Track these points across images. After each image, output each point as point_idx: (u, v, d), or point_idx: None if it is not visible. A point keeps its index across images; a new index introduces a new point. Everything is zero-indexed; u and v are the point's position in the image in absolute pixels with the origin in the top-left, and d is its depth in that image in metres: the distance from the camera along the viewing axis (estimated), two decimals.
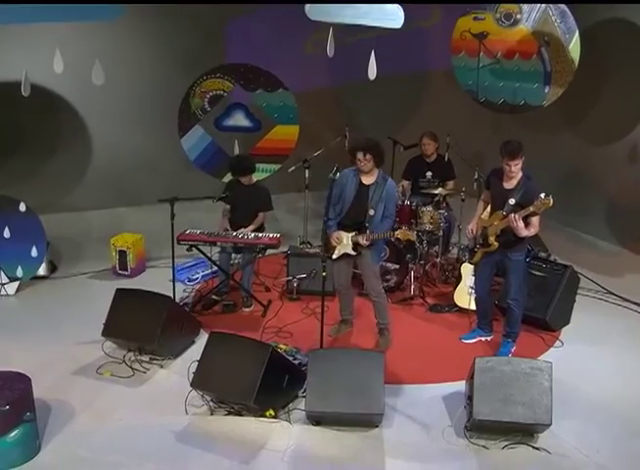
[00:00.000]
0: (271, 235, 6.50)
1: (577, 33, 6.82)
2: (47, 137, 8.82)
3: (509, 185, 5.61)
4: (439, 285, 7.32)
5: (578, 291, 7.00)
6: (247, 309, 6.65)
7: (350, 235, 5.73)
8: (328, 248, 5.84)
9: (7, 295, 6.85)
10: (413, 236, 5.85)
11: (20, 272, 6.86)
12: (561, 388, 5.27)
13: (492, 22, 7.25)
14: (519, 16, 7.07)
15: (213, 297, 6.72)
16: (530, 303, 6.30)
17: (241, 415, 4.90)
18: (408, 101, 9.88)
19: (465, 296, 6.58)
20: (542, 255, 6.85)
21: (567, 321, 6.46)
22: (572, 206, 8.74)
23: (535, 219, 5.52)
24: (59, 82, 8.73)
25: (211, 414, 4.91)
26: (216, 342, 4.93)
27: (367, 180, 5.70)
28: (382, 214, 5.69)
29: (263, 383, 4.64)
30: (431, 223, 7.22)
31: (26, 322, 6.37)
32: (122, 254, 7.36)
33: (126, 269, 7.39)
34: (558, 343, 6.15)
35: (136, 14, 8.28)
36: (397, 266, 7.00)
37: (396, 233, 5.73)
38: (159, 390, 5.25)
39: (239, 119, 7.94)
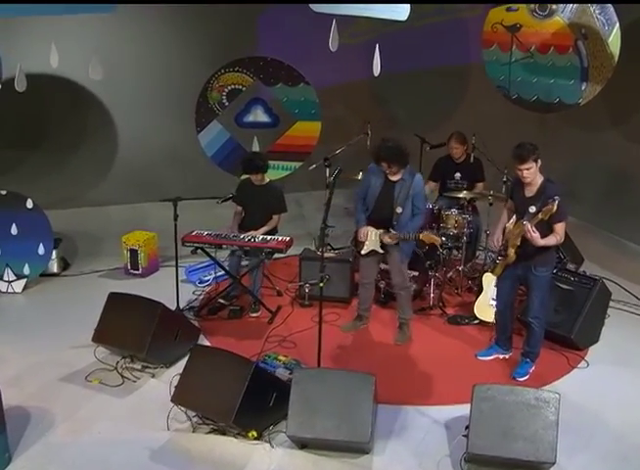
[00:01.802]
0: (279, 238, 6.19)
1: (618, 25, 6.23)
2: (72, 131, 8.72)
3: (530, 192, 5.14)
4: (463, 294, 6.88)
5: (614, 304, 6.55)
6: (253, 315, 6.37)
7: (379, 232, 5.63)
8: (357, 243, 5.79)
9: (14, 292, 6.76)
10: (438, 240, 5.62)
11: (27, 270, 6.75)
12: (579, 416, 4.89)
13: (526, 13, 6.72)
14: (554, 6, 6.51)
15: (221, 301, 6.46)
16: (556, 318, 5.85)
17: (225, 434, 4.61)
18: (447, 95, 9.36)
19: (486, 308, 6.15)
20: (570, 267, 6.32)
21: (595, 339, 5.96)
22: (617, 210, 8.15)
23: (559, 227, 5.03)
24: (85, 75, 8.62)
25: (193, 431, 4.64)
26: (199, 356, 4.65)
27: (394, 177, 5.59)
28: (411, 212, 5.58)
29: (245, 402, 4.34)
30: (455, 228, 6.80)
31: (28, 322, 6.26)
32: (134, 252, 7.17)
33: (137, 269, 7.20)
34: (583, 363, 5.66)
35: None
36: (416, 274, 6.59)
37: (421, 236, 5.54)
38: (145, 401, 5.01)
39: (258, 115, 7.64)
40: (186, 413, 4.69)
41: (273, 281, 6.97)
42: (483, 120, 8.88)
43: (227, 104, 7.62)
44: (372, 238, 5.62)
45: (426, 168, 7.47)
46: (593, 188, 8.43)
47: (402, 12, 4.58)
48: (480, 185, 7.19)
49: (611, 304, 6.53)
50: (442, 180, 7.30)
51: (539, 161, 5.04)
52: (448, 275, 6.95)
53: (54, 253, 7.07)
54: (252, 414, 4.46)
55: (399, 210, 5.49)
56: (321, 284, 5.00)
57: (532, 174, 5.02)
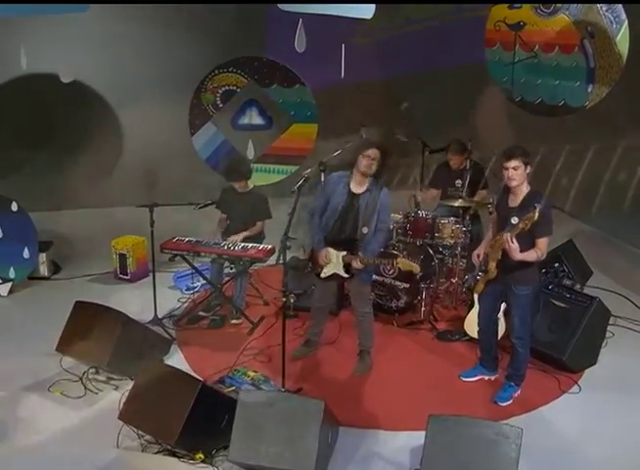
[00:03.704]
0: (260, 247, 5.96)
1: (627, 23, 5.78)
2: (76, 132, 8.65)
3: (513, 202, 4.79)
4: (459, 307, 6.53)
5: (621, 322, 6.17)
6: (234, 322, 6.14)
7: (341, 254, 5.07)
8: (315, 264, 5.25)
9: None
10: (416, 268, 5.08)
11: (12, 273, 6.67)
12: (559, 447, 4.56)
13: (530, 10, 6.31)
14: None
15: (201, 313, 6.25)
16: (549, 337, 5.48)
17: (175, 455, 4.39)
18: (463, 97, 8.93)
19: (476, 324, 5.78)
20: (567, 283, 5.90)
21: (591, 362, 5.53)
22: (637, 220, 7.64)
23: (542, 242, 4.65)
24: (92, 76, 8.58)
25: (142, 450, 4.44)
26: (148, 372, 4.45)
27: (358, 188, 5.06)
28: (375, 226, 5.04)
29: (190, 423, 4.14)
30: (451, 238, 6.46)
31: (7, 327, 6.15)
32: (122, 257, 7.04)
33: (126, 273, 7.06)
34: (575, 388, 5.25)
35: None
36: (407, 285, 6.27)
37: (396, 263, 5.07)
38: (101, 415, 4.81)
39: (253, 117, 7.41)
40: (137, 432, 4.50)
41: (261, 290, 6.73)
42: (502, 125, 8.49)
43: (221, 105, 7.40)
44: (333, 261, 5.08)
45: (427, 175, 7.17)
46: (612, 195, 7.95)
47: (368, 11, 4.30)
48: (482, 192, 6.83)
49: (618, 321, 6.18)
50: (443, 187, 6.96)
51: (529, 167, 4.70)
52: (442, 287, 6.61)
53: (43, 256, 6.99)
54: (200, 436, 4.24)
55: (365, 229, 4.96)
56: (284, 299, 4.74)
57: (519, 176, 4.66)
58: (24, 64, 5.26)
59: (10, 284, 6.69)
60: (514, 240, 4.57)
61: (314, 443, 3.94)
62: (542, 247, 4.67)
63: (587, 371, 5.45)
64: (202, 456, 4.25)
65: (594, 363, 5.54)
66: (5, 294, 6.69)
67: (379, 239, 5.09)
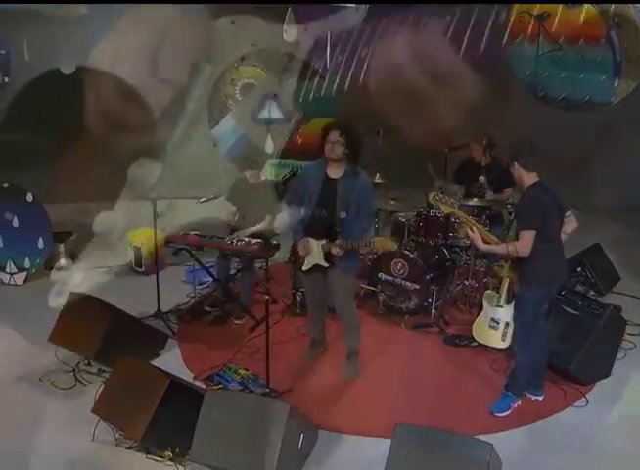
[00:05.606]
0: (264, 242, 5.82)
1: None
2: (100, 124, 8.72)
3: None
4: (474, 310, 6.23)
5: None
6: (237, 322, 6.04)
7: (321, 243, 4.87)
8: (297, 257, 5.07)
9: (15, 285, 6.78)
10: (393, 246, 4.89)
11: (27, 263, 6.76)
12: (557, 463, 4.23)
13: None
14: None
15: (207, 308, 6.18)
16: (557, 346, 5.12)
17: (148, 451, 4.33)
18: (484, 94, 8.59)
19: (484, 330, 5.47)
20: (580, 288, 5.55)
21: (603, 374, 5.17)
22: None
23: (520, 235, 4.39)
24: (126, 70, 8.64)
25: (116, 445, 4.39)
26: (122, 366, 4.39)
27: (334, 173, 4.83)
28: (356, 214, 4.76)
29: (159, 420, 4.06)
30: (468, 238, 6.16)
31: (15, 315, 6.17)
32: (137, 250, 7.04)
33: (141, 266, 7.06)
34: (582, 401, 4.90)
35: None
36: (418, 286, 6.03)
37: (373, 243, 4.81)
38: (85, 407, 4.74)
39: (272, 111, 7.29)
40: (111, 426, 4.45)
41: (271, 286, 6.57)
42: (543, 120, 8.10)
43: (240, 98, 7.32)
44: (314, 251, 4.87)
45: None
46: None
47: None
48: (508, 190, 6.50)
49: None
50: (466, 184, 6.68)
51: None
52: (457, 289, 6.33)
53: (61, 246, 7.07)
54: (170, 433, 4.15)
55: (343, 214, 4.71)
56: (267, 296, 4.60)
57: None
58: (27, 56, 5.30)
59: (25, 273, 6.78)
60: (474, 229, 4.58)
61: (276, 447, 3.79)
62: (521, 240, 4.42)
63: (599, 384, 5.11)
64: (170, 455, 4.16)
65: (607, 376, 5.18)
66: (20, 283, 6.79)
67: (361, 225, 4.82)
